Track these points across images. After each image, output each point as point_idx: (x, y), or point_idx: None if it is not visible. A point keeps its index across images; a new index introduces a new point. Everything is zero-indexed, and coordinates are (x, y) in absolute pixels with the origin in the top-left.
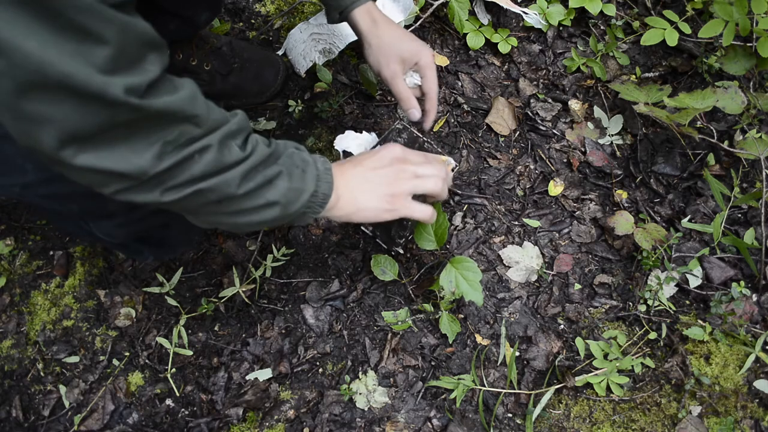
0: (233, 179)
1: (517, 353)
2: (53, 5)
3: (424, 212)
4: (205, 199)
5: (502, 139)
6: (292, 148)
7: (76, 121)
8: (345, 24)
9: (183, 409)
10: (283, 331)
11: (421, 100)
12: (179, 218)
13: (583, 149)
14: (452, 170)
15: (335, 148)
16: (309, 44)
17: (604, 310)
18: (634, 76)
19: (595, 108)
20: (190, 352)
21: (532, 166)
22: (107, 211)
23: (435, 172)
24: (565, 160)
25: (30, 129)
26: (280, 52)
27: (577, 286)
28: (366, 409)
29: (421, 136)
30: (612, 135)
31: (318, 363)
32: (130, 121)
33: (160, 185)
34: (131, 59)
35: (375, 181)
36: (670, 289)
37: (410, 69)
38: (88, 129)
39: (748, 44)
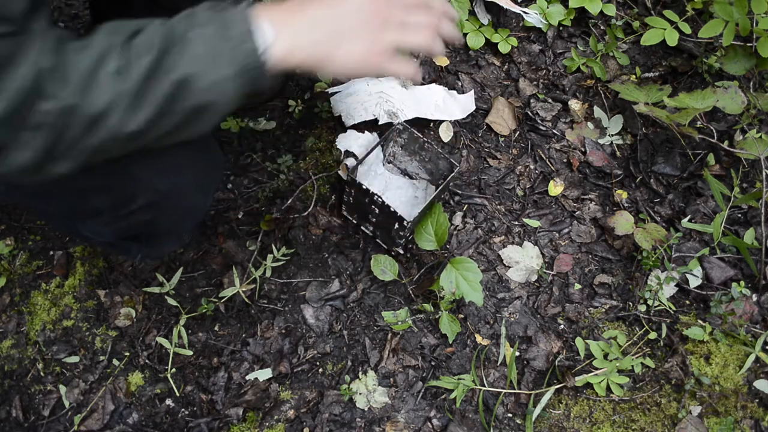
0: (119, 122)
1: (517, 353)
2: None
3: (407, 71)
4: (108, 149)
5: (502, 139)
6: (196, 29)
7: None
8: (420, 96)
9: (183, 409)
10: (283, 331)
11: None
12: (167, 215)
13: (583, 149)
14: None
15: (337, 147)
16: (375, 99)
17: (604, 310)
18: (634, 76)
19: (595, 108)
20: (190, 352)
21: (532, 166)
22: (93, 209)
23: (425, 21)
24: (565, 160)
25: None
26: (330, 90)
27: (577, 286)
28: (366, 409)
29: (421, 136)
30: (612, 135)
31: (318, 363)
32: None
33: (51, 161)
34: None
35: (347, 24)
36: (670, 289)
37: None
38: None
39: (748, 44)
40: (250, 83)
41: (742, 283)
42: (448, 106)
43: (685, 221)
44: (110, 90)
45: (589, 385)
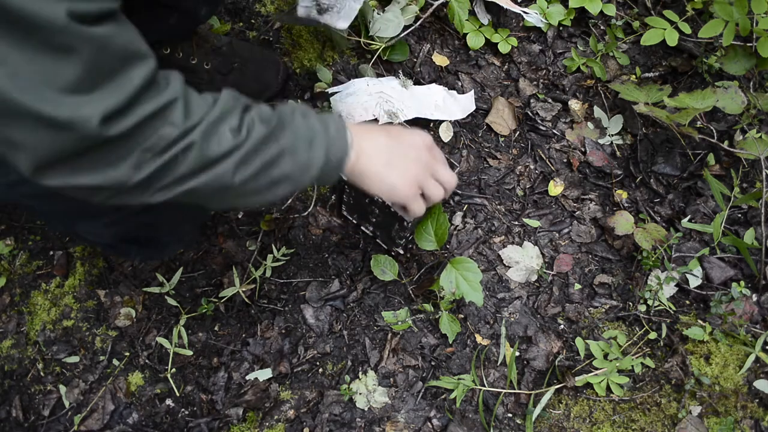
0: (226, 171)
1: (517, 353)
2: (26, 26)
3: (421, 209)
4: (201, 193)
5: (502, 139)
6: (300, 117)
7: (49, 147)
8: (420, 97)
9: (183, 409)
10: (283, 331)
11: None
12: (167, 219)
13: (583, 149)
14: None
15: None
16: (375, 99)
17: (604, 310)
18: (634, 76)
19: (595, 108)
20: (190, 352)
21: (532, 166)
22: (92, 211)
23: (451, 182)
24: (565, 160)
25: (5, 152)
26: (329, 90)
27: (577, 286)
28: (366, 409)
29: None
30: (612, 135)
31: (318, 363)
32: (104, 141)
33: (147, 189)
34: (109, 75)
35: (404, 155)
36: (670, 289)
37: None
38: (63, 154)
39: (748, 44)
40: (326, 173)
41: (742, 283)
42: (448, 106)
43: (685, 221)
44: (228, 142)
45: (589, 385)
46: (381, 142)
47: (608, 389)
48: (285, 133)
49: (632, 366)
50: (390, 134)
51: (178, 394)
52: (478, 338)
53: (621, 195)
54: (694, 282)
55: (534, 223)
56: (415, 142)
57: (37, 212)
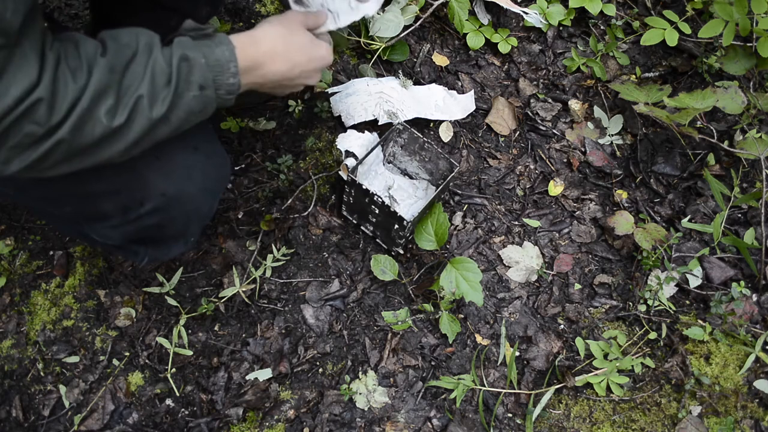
0: (110, 156)
1: (517, 353)
2: None
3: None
4: (98, 163)
5: (502, 139)
6: (195, 90)
7: None
8: (420, 97)
9: (183, 409)
10: (283, 331)
11: None
12: (175, 220)
13: (583, 149)
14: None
15: (337, 147)
16: (375, 99)
17: (604, 310)
18: (634, 76)
19: (595, 108)
20: (190, 352)
21: (532, 166)
22: (101, 213)
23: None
24: (565, 160)
25: None
26: (329, 90)
27: (577, 286)
28: (366, 409)
29: (421, 136)
30: (612, 135)
31: (318, 363)
32: None
33: (30, 171)
34: None
35: (284, 84)
36: (670, 289)
37: None
38: None
39: (748, 44)
40: (230, 204)
41: (742, 283)
42: (448, 106)
43: (685, 221)
44: (102, 128)
45: (589, 385)
46: (270, 84)
47: (608, 389)
48: (177, 112)
49: (632, 366)
50: (287, 71)
51: (178, 394)
52: (478, 338)
53: (621, 195)
54: (694, 282)
55: (534, 223)
56: (308, 69)
57: (46, 215)
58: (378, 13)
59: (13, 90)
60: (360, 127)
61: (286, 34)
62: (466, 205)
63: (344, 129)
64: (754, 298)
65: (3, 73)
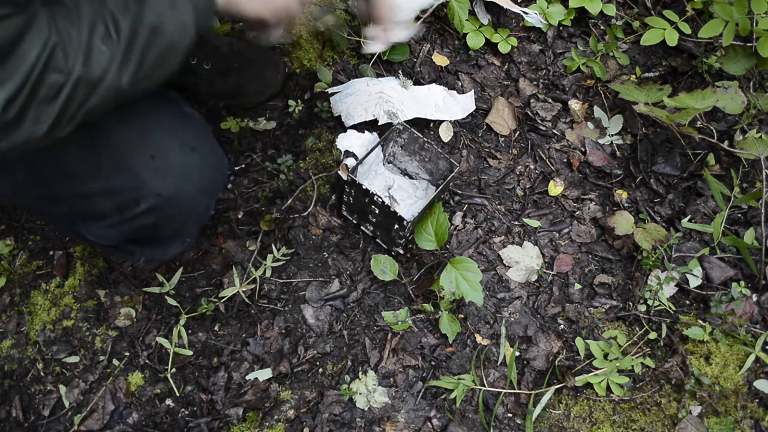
0: (113, 81)
1: (517, 353)
2: None
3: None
4: (102, 108)
5: (502, 139)
6: None
7: None
8: (420, 97)
9: (183, 409)
10: (283, 331)
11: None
12: (171, 219)
13: (583, 149)
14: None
15: (337, 147)
16: (375, 99)
17: (604, 310)
18: (634, 76)
19: (595, 108)
20: (190, 352)
21: (532, 166)
22: (98, 212)
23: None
24: (565, 160)
25: None
26: (329, 90)
27: (577, 286)
28: (366, 409)
29: (420, 136)
30: (612, 135)
31: (318, 363)
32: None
33: (55, 130)
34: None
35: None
36: (670, 289)
37: None
38: None
39: (748, 44)
40: (204, 22)
41: (742, 283)
42: (448, 106)
43: (685, 221)
44: (106, 54)
45: (589, 385)
46: None
47: (608, 389)
48: (146, 10)
49: (632, 366)
50: None
51: (178, 394)
52: (478, 338)
53: (621, 195)
54: (694, 282)
55: (534, 223)
56: None
57: (43, 215)
58: None
59: (33, 50)
60: (360, 127)
61: None
62: (466, 205)
63: (344, 129)
64: (754, 298)
65: (22, 37)
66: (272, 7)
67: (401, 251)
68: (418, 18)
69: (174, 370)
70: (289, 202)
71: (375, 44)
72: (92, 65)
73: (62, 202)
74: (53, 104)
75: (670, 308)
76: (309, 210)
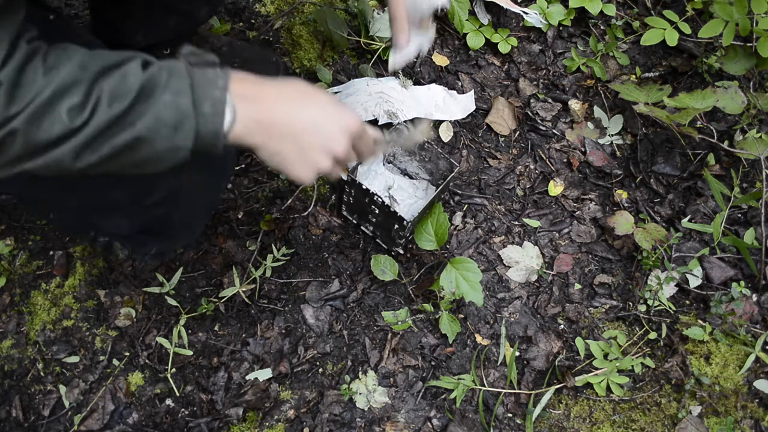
0: (63, 157)
1: (517, 353)
2: None
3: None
4: (43, 172)
5: (502, 139)
6: (168, 95)
7: None
8: (420, 97)
9: (183, 409)
10: (283, 331)
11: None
12: (182, 210)
13: (583, 149)
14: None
15: None
16: (374, 99)
17: (604, 310)
18: (634, 76)
19: (595, 108)
20: (190, 352)
21: (532, 166)
22: (112, 203)
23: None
24: (565, 160)
25: None
26: (329, 90)
27: (577, 286)
28: (366, 409)
29: None
30: (612, 135)
31: (318, 363)
32: None
33: None
34: None
35: (300, 145)
36: (670, 289)
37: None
38: None
39: (748, 44)
40: (201, 149)
41: (742, 283)
42: (448, 106)
43: (685, 221)
44: (62, 126)
45: (589, 385)
46: (273, 131)
47: (608, 389)
48: (145, 117)
49: (632, 366)
50: (296, 111)
51: (178, 394)
52: (478, 338)
53: (621, 195)
54: (694, 282)
55: (534, 223)
56: (324, 126)
57: (54, 208)
58: (378, 13)
59: None
60: None
61: (302, 83)
62: (466, 205)
63: None
64: (754, 298)
65: None
66: (290, 161)
67: (401, 251)
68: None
69: (174, 370)
70: (289, 202)
71: (399, 56)
72: (41, 128)
73: (79, 192)
74: None
75: (670, 308)
76: (309, 210)
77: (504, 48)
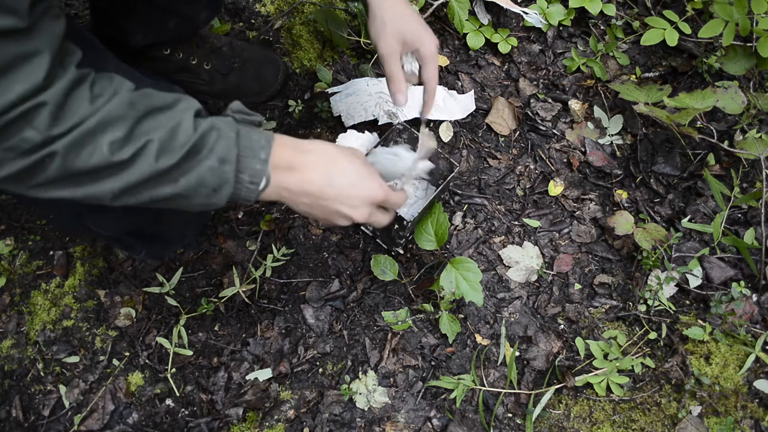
0: (103, 194)
1: (517, 353)
2: None
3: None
4: (85, 201)
5: (502, 139)
6: (214, 161)
7: None
8: (420, 97)
9: (183, 409)
10: (283, 331)
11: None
12: (173, 215)
13: (583, 149)
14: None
15: None
16: (375, 100)
17: (604, 310)
18: (634, 76)
19: (595, 108)
20: (190, 352)
21: (532, 166)
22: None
23: (382, 222)
24: (565, 160)
25: None
26: (329, 90)
27: (577, 286)
28: (366, 409)
29: None
30: (612, 135)
31: (318, 363)
32: None
33: (20, 184)
34: None
35: (329, 209)
36: (670, 289)
37: (410, 53)
38: None
39: (748, 44)
40: (232, 203)
41: (742, 283)
42: (448, 106)
43: (685, 221)
44: (101, 157)
45: (589, 385)
46: (304, 197)
47: (608, 389)
48: (188, 176)
49: (632, 366)
50: (326, 184)
51: (178, 394)
52: (478, 338)
53: (621, 195)
54: (694, 282)
55: (534, 223)
56: (351, 199)
57: (48, 206)
58: None
59: (17, 86)
60: (360, 127)
61: (336, 152)
62: (466, 205)
63: (344, 129)
64: (754, 298)
65: (11, 68)
66: (315, 216)
67: (401, 251)
68: None
69: (174, 370)
70: None
71: (403, 105)
72: (80, 155)
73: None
74: (20, 160)
75: (670, 308)
76: None
77: (504, 48)
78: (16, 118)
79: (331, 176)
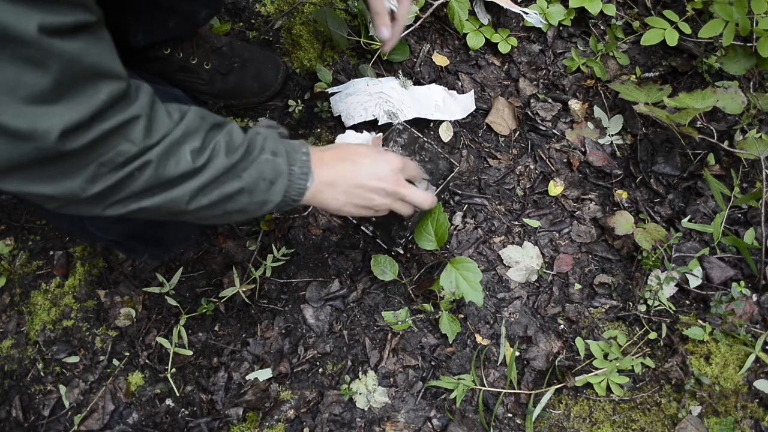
0: (182, 196)
1: (517, 353)
2: None
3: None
4: (153, 212)
5: (502, 139)
6: (268, 154)
7: (5, 156)
8: (420, 97)
9: (183, 409)
10: (283, 331)
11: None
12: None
13: (583, 149)
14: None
15: None
16: (375, 100)
17: (604, 310)
18: (634, 76)
19: (595, 108)
20: (190, 352)
21: (532, 166)
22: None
23: (423, 203)
24: (565, 160)
25: None
26: (329, 90)
27: (577, 286)
28: (366, 409)
29: (421, 136)
30: (612, 135)
31: (318, 363)
32: (61, 155)
33: (100, 203)
34: (75, 89)
35: (363, 192)
36: (670, 289)
37: None
38: (18, 163)
39: (748, 44)
40: (280, 208)
41: (742, 283)
42: (448, 106)
43: (685, 221)
44: (187, 164)
45: (589, 385)
46: (340, 185)
47: (608, 389)
48: (249, 170)
49: (632, 366)
50: (353, 167)
51: (178, 394)
52: (478, 338)
53: (621, 195)
54: (694, 282)
55: (534, 223)
56: (377, 171)
57: (47, 209)
58: None
59: (104, 88)
60: (360, 127)
61: (345, 144)
62: (466, 205)
63: (344, 129)
64: (754, 298)
65: (93, 74)
66: (356, 205)
67: (401, 251)
68: (417, 18)
69: (174, 370)
70: None
71: (387, 38)
72: (168, 164)
73: None
74: (114, 173)
75: (670, 308)
76: (309, 210)
77: (504, 48)
78: (111, 131)
79: (355, 161)
